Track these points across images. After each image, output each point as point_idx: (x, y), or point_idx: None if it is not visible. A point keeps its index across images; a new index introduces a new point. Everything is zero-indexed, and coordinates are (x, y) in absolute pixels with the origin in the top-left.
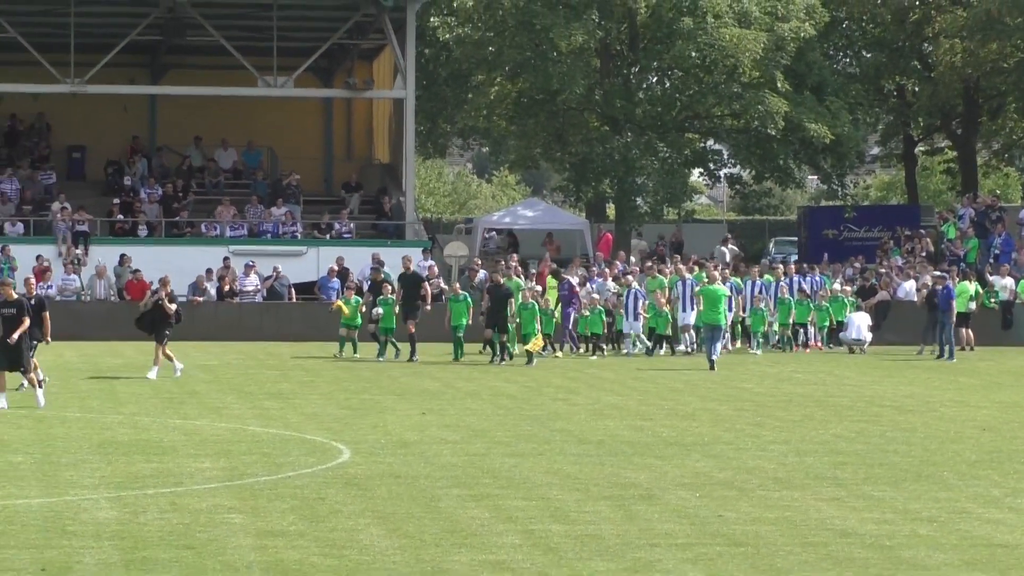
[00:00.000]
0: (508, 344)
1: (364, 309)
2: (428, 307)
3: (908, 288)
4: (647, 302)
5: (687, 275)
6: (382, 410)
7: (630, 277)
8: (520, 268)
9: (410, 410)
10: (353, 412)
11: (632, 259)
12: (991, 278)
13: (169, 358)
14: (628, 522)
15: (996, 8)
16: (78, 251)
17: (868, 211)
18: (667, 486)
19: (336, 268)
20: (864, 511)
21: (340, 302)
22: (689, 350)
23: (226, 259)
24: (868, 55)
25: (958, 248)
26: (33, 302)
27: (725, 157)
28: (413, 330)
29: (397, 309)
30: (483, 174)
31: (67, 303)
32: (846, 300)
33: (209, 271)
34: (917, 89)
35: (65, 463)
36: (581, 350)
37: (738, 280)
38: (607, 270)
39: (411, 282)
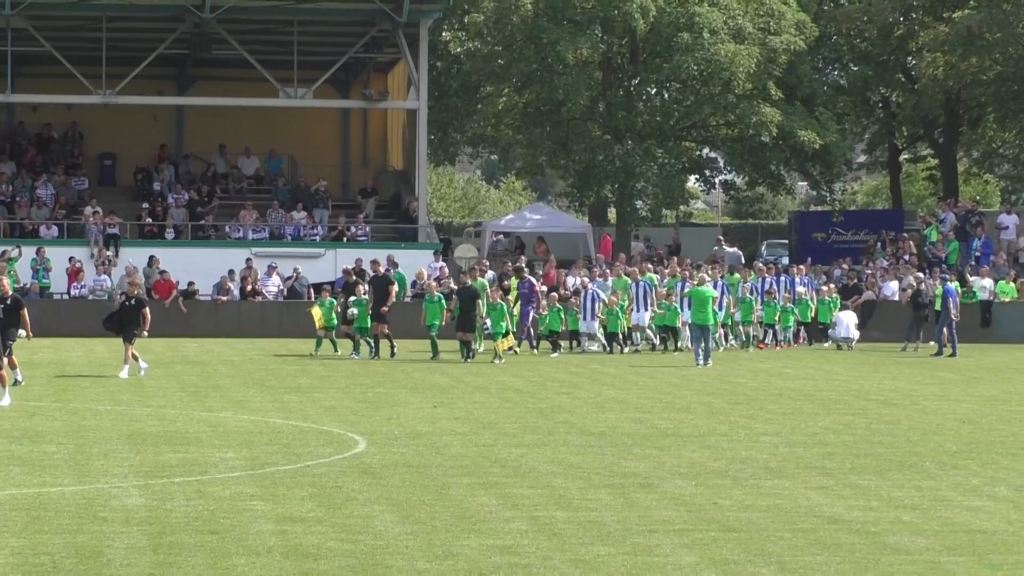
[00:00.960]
0: (473, 342)
1: (339, 310)
2: (385, 308)
3: (893, 288)
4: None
5: (640, 277)
6: (396, 403)
7: (585, 280)
8: (527, 269)
9: (422, 403)
10: (368, 405)
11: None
12: (971, 279)
13: (135, 358)
14: (628, 509)
15: (976, 24)
16: (109, 253)
17: (855, 215)
18: (665, 475)
19: (351, 268)
20: (851, 499)
21: (316, 307)
22: (638, 348)
23: (248, 260)
24: (855, 68)
25: (940, 251)
26: (9, 301)
27: (720, 164)
28: (386, 331)
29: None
30: (491, 180)
31: (99, 302)
32: (827, 300)
33: (232, 272)
34: (901, 100)
35: (96, 453)
36: (538, 348)
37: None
38: (608, 271)
39: (380, 285)
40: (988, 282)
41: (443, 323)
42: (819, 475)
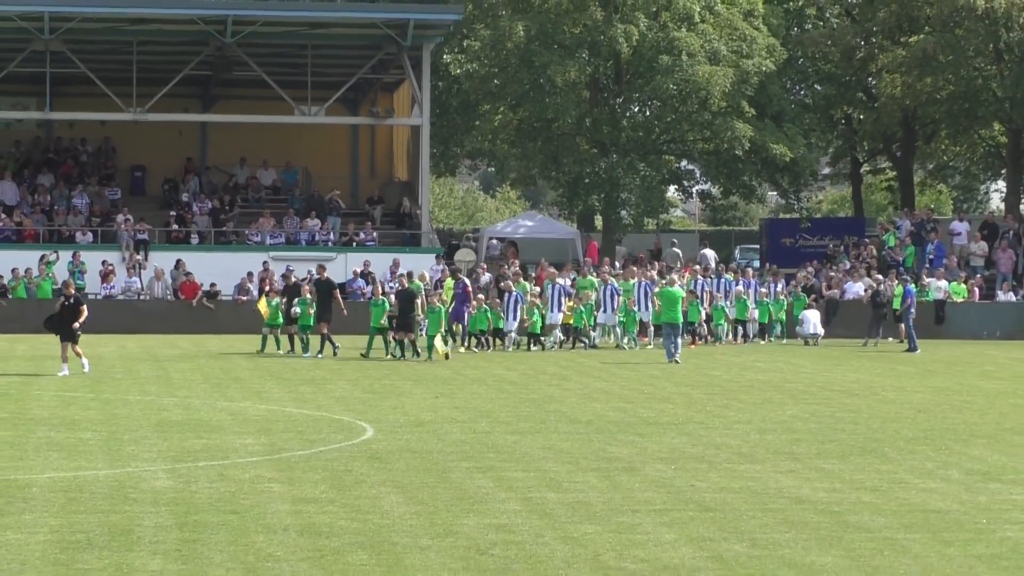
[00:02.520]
0: (412, 342)
1: (284, 309)
2: (344, 311)
3: (855, 289)
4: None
5: (609, 279)
6: (401, 394)
7: (509, 282)
8: (520, 271)
9: (425, 394)
10: (376, 395)
11: (617, 263)
12: (926, 280)
13: (78, 355)
14: (613, 491)
15: (931, 48)
16: (139, 257)
17: (820, 223)
18: (647, 460)
19: (360, 271)
20: (816, 481)
21: (262, 301)
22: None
23: (266, 263)
24: (820, 88)
25: (898, 255)
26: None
27: (697, 175)
28: (326, 330)
29: (312, 309)
30: (488, 190)
31: (129, 301)
32: (766, 302)
33: (251, 274)
34: (862, 117)
35: (127, 439)
36: (469, 345)
37: (709, 280)
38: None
39: (325, 287)
40: (942, 283)
41: (385, 323)
42: (787, 460)
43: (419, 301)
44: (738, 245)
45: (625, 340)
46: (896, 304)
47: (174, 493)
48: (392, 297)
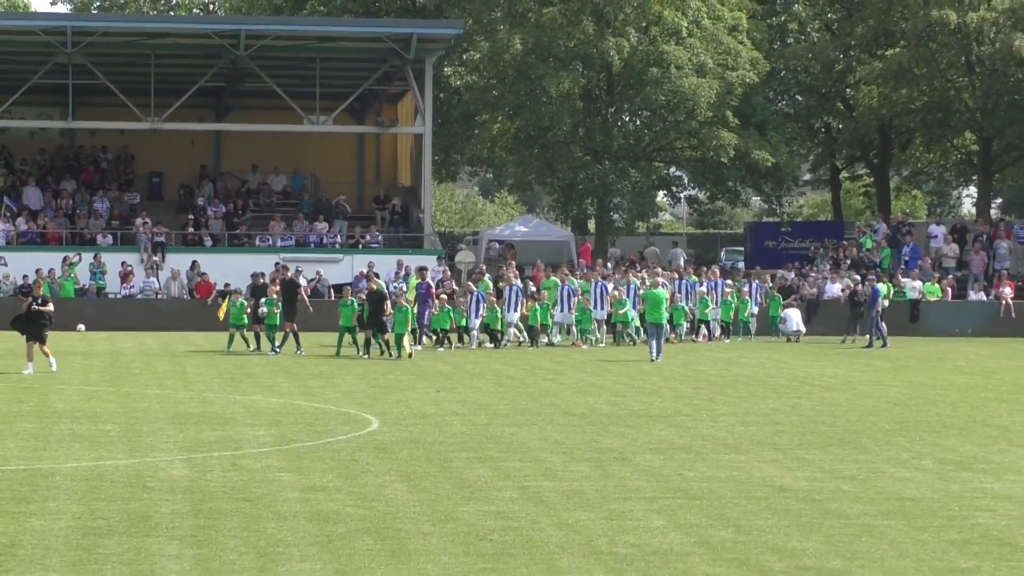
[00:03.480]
0: (387, 341)
1: (250, 310)
2: (310, 310)
3: (835, 289)
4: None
5: (566, 280)
6: (404, 388)
7: (470, 284)
8: (517, 271)
9: (427, 388)
10: (381, 389)
11: (609, 264)
12: (902, 280)
13: (46, 354)
14: (605, 480)
15: (906, 61)
16: (156, 258)
17: (801, 226)
18: (637, 450)
19: (366, 272)
20: (797, 471)
21: (225, 305)
22: (553, 341)
23: (277, 264)
24: (801, 98)
25: (875, 256)
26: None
27: (685, 181)
28: (294, 328)
29: (278, 308)
30: (487, 195)
31: (147, 300)
32: (729, 301)
33: (263, 274)
34: (841, 126)
35: (146, 431)
36: (431, 342)
37: (695, 279)
38: (588, 273)
39: (289, 287)
40: (917, 283)
41: (355, 324)
42: (770, 450)
43: (387, 302)
44: (724, 247)
45: (580, 338)
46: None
47: (190, 482)
48: (362, 296)
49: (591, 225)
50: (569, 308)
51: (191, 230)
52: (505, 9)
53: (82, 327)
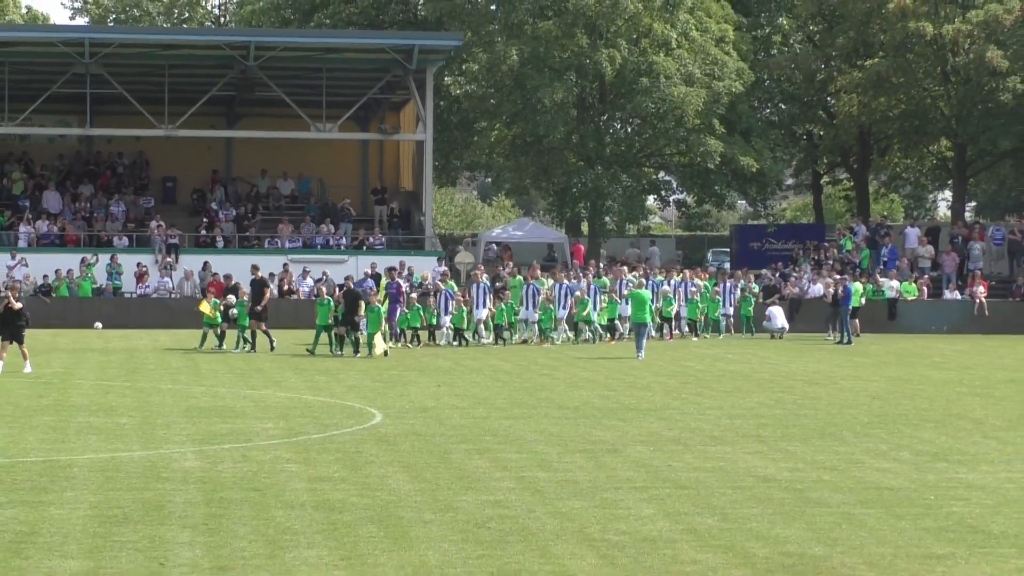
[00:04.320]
0: (358, 339)
1: (222, 309)
2: (259, 307)
3: (817, 288)
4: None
5: (532, 280)
6: (406, 383)
7: (438, 281)
8: (516, 270)
9: (428, 383)
10: (384, 384)
11: (601, 265)
12: (880, 280)
13: (24, 356)
14: (597, 470)
15: (885, 70)
16: (170, 259)
17: (785, 228)
18: (628, 442)
19: (370, 272)
20: (780, 461)
21: (204, 303)
22: (524, 338)
23: (285, 265)
24: (784, 107)
25: (854, 257)
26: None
27: (674, 186)
28: (263, 328)
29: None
30: (485, 199)
31: (162, 299)
32: (696, 300)
33: (272, 274)
34: (822, 133)
35: (159, 424)
36: (401, 342)
37: (660, 278)
38: (581, 273)
39: (257, 287)
40: (895, 283)
41: (331, 321)
42: (754, 442)
43: (361, 302)
44: (711, 248)
45: (542, 336)
46: (855, 302)
47: (202, 472)
48: (337, 294)
49: (584, 227)
50: (533, 307)
51: (203, 232)
52: (502, 22)
53: (99, 325)
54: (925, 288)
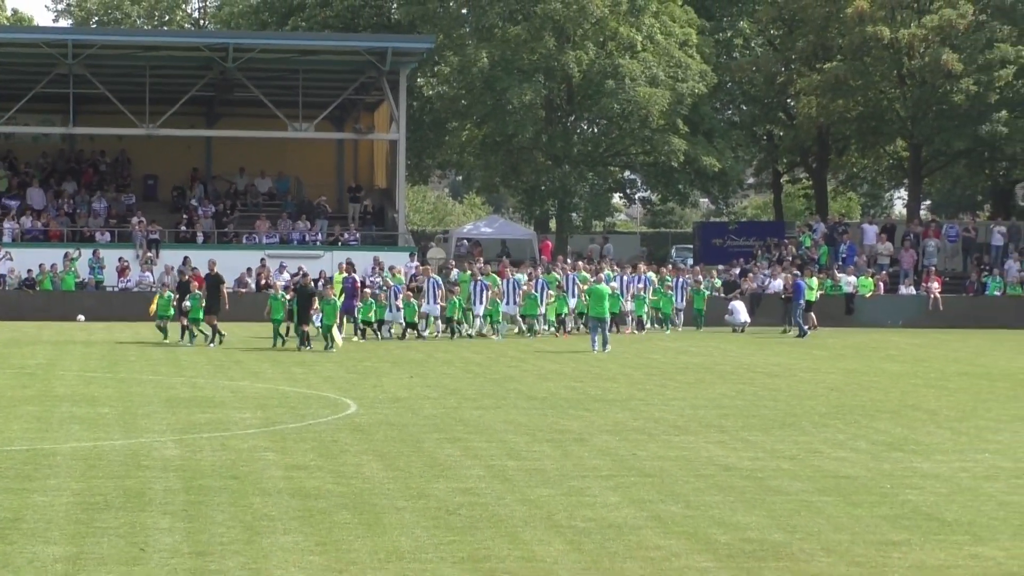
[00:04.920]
0: (307, 332)
1: (176, 303)
2: (227, 306)
3: (776, 284)
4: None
5: (480, 276)
6: (380, 374)
7: (384, 277)
8: (487, 266)
9: (401, 374)
10: (358, 375)
11: (568, 260)
12: (838, 275)
13: None
14: (565, 459)
15: (843, 73)
16: (151, 254)
17: (746, 226)
18: (594, 432)
19: (345, 266)
20: (741, 451)
21: (156, 300)
22: (471, 333)
23: (263, 260)
24: (746, 108)
25: (813, 253)
26: None
27: (639, 184)
28: (215, 322)
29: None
30: (456, 196)
31: (143, 293)
32: (642, 297)
33: (250, 269)
34: (782, 134)
35: (140, 414)
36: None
37: (611, 274)
38: (550, 267)
39: (213, 282)
40: (852, 279)
41: (284, 317)
42: (717, 432)
43: (315, 297)
44: (674, 245)
45: (487, 329)
46: (810, 296)
47: (181, 461)
48: (291, 291)
49: (552, 224)
50: (480, 301)
51: (183, 228)
52: (473, 25)
53: (82, 317)
54: (882, 284)
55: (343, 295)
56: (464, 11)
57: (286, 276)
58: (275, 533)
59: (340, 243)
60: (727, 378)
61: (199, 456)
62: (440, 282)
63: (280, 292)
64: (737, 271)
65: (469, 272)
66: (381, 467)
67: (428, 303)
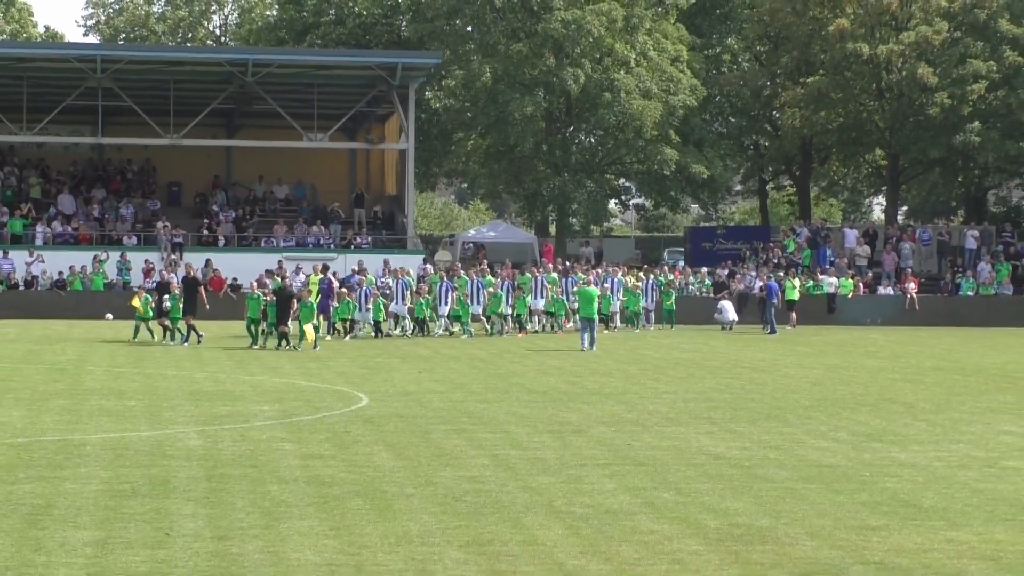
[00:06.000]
0: (284, 333)
1: (155, 304)
2: (207, 306)
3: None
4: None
5: (447, 278)
6: (390, 369)
7: (360, 277)
8: (488, 268)
9: (410, 369)
10: (370, 370)
11: (567, 263)
12: (821, 277)
13: None
14: (564, 449)
15: (825, 87)
16: (175, 256)
17: (734, 230)
18: (591, 423)
19: (357, 269)
20: (730, 441)
21: (135, 300)
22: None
23: (280, 262)
24: (733, 120)
25: (797, 256)
26: None
27: (633, 191)
28: (192, 322)
29: (181, 303)
30: (462, 203)
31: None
32: (609, 296)
33: (268, 271)
34: (768, 144)
35: (165, 407)
36: (332, 335)
37: (580, 276)
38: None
39: (191, 285)
40: (833, 280)
41: (260, 316)
42: (706, 423)
43: (294, 299)
44: (667, 248)
45: (457, 328)
46: (793, 296)
47: (204, 451)
48: (268, 292)
49: (552, 229)
50: (446, 302)
51: (205, 232)
52: (478, 42)
53: (110, 316)
54: (861, 284)
55: (319, 295)
56: (469, 29)
57: (302, 277)
58: (292, 518)
59: (352, 246)
60: (716, 373)
61: (220, 446)
62: (408, 283)
63: (256, 292)
64: (725, 272)
65: (438, 274)
66: (391, 456)
67: (396, 303)
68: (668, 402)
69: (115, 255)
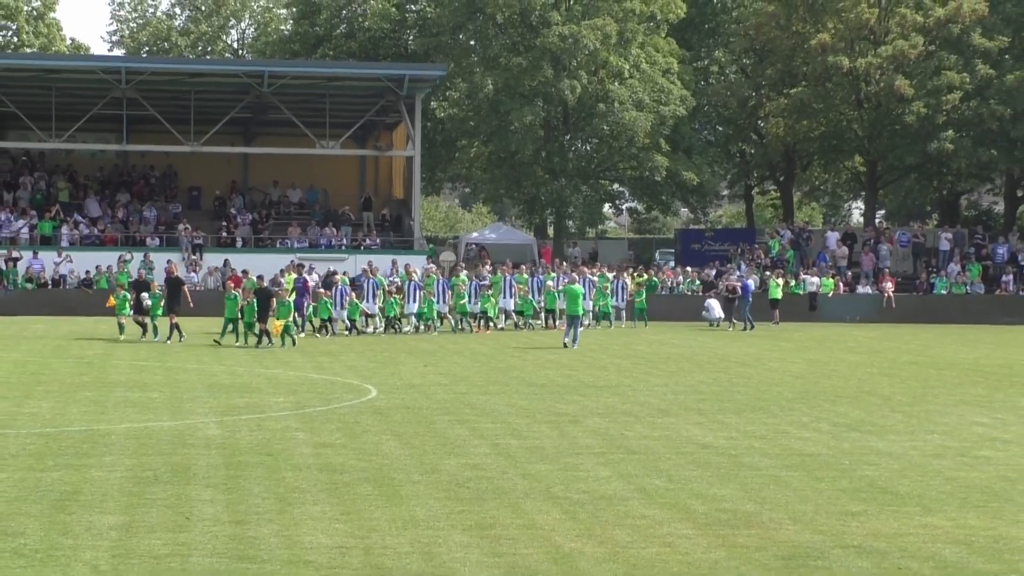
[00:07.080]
0: (264, 331)
1: (132, 301)
2: (191, 304)
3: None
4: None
5: (440, 275)
6: (397, 363)
7: (344, 274)
8: (491, 268)
9: (416, 363)
10: (378, 364)
11: (565, 263)
12: (803, 276)
13: None
14: (561, 438)
15: (807, 98)
16: (195, 257)
17: (721, 232)
18: (587, 415)
19: (367, 268)
20: (717, 431)
21: (112, 298)
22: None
23: (293, 262)
24: (721, 128)
25: (781, 257)
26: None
27: (626, 196)
28: (175, 320)
29: (163, 302)
30: (465, 206)
31: (189, 292)
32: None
33: (282, 270)
34: (753, 151)
35: (186, 398)
36: (305, 332)
37: (552, 275)
38: (548, 269)
39: (174, 284)
40: (816, 279)
41: (237, 315)
42: (695, 414)
43: (273, 299)
44: (658, 249)
45: (422, 326)
46: (776, 294)
47: (222, 440)
48: (248, 292)
49: (550, 231)
50: (415, 300)
51: (224, 234)
52: (480, 56)
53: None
54: (841, 283)
55: (294, 293)
56: (472, 43)
57: (315, 276)
58: (305, 504)
59: (363, 247)
60: (704, 367)
61: (238, 436)
62: (378, 284)
63: (234, 291)
64: (713, 272)
65: (406, 273)
66: (398, 445)
67: (367, 301)
68: (659, 394)
69: (139, 256)
